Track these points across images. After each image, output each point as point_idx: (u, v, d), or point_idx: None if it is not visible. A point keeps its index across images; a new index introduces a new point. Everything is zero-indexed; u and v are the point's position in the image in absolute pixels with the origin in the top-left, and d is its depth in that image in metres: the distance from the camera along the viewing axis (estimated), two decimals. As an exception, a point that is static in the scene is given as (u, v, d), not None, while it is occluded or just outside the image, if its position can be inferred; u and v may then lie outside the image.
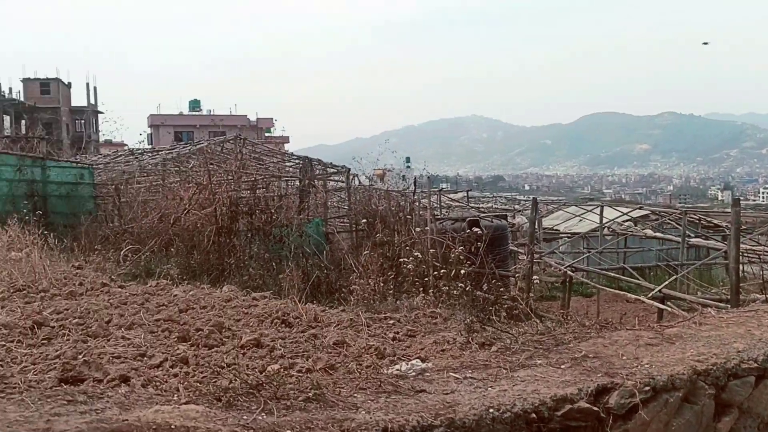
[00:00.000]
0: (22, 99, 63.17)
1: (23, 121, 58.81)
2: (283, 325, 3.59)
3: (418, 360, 3.11)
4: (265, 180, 12.35)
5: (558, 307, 11.66)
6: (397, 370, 2.94)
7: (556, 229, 22.42)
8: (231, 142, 18.20)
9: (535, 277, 11.37)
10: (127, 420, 2.14)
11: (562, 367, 2.91)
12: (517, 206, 30.38)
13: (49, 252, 6.80)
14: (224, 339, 3.31)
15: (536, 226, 14.07)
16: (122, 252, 7.72)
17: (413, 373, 2.88)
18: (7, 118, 59.30)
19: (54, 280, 5.29)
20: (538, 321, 4.44)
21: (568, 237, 21.04)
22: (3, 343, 3.44)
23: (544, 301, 12.96)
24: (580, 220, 22.18)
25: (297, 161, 17.35)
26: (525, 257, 11.58)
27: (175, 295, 4.62)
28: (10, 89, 63.29)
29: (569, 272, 13.24)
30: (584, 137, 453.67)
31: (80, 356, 3.13)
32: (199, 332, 3.39)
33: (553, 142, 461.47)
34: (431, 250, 7.47)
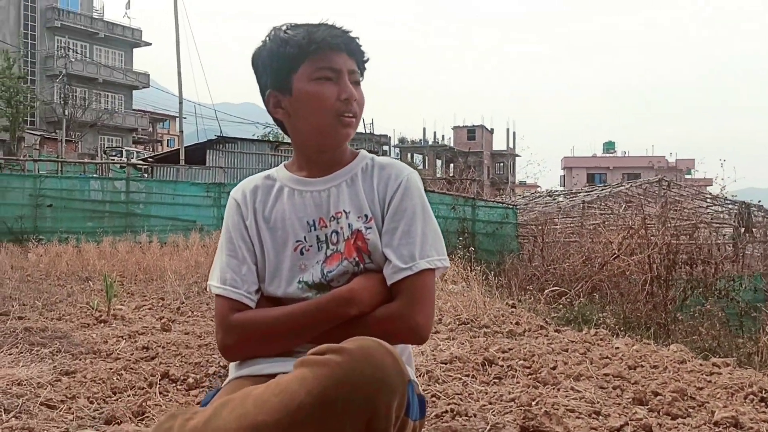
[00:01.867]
0: (451, 145, 70.66)
1: (452, 165, 65.61)
2: (763, 404, 3.02)
3: None
4: (695, 226, 11.30)
5: None
6: None
7: None
8: (654, 184, 17.31)
9: None
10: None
11: None
12: None
13: (486, 288, 7.15)
14: (689, 409, 2.90)
15: None
16: (546, 292, 7.74)
17: None
18: (439, 162, 66.91)
19: (493, 316, 5.48)
20: None
21: None
22: (459, 376, 3.59)
23: None
24: None
25: (730, 206, 15.64)
26: None
27: (617, 348, 4.33)
28: (443, 136, 71.44)
29: None
30: None
31: (534, 403, 3.06)
32: (658, 397, 3.05)
33: None
34: None
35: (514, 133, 72.58)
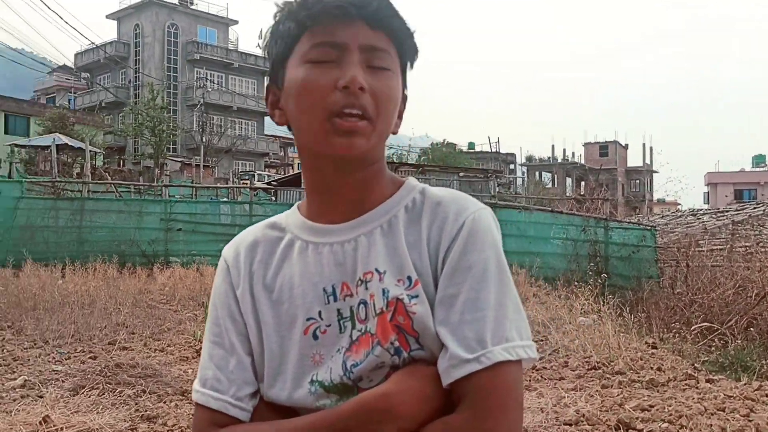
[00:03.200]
0: (582, 162, 68.13)
1: (582, 183, 63.09)
2: None
3: None
4: None
5: None
6: None
7: None
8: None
9: None
10: None
11: None
12: None
13: (620, 322, 6.34)
14: None
15: None
16: (693, 329, 6.79)
17: None
18: (569, 180, 64.65)
19: (629, 359, 4.73)
20: None
21: None
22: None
23: None
24: None
25: None
26: None
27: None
28: (573, 153, 69.08)
29: None
30: None
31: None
32: None
33: None
34: None
35: (651, 148, 68.88)
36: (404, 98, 1.05)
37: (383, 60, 0.98)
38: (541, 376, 4.40)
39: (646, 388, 4.03)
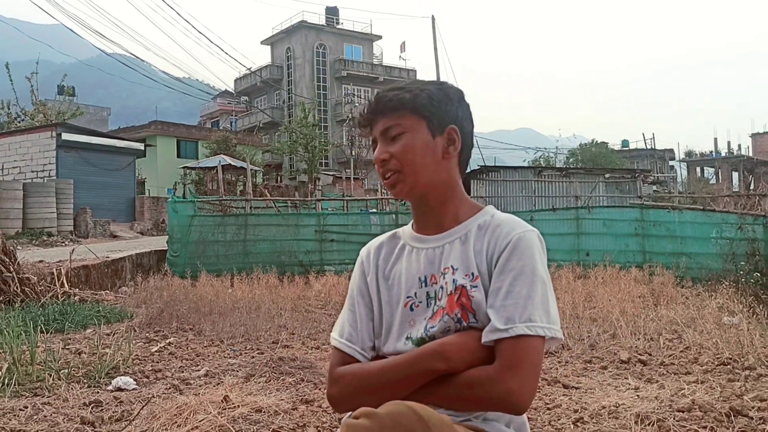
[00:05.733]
0: (750, 154, 63.27)
1: (751, 177, 58.57)
2: None
3: None
4: None
5: None
6: None
7: None
8: None
9: None
10: None
11: None
12: None
13: (759, 321, 6.23)
14: None
15: None
16: None
17: None
18: (735, 174, 60.21)
19: (763, 356, 4.75)
20: None
21: None
22: (696, 427, 3.17)
23: None
24: None
25: None
26: None
27: None
28: (739, 146, 64.31)
29: None
30: None
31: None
32: None
33: None
34: None
35: (832, 133, 62.66)
36: (450, 131, 1.57)
37: (395, 130, 1.55)
38: (667, 371, 4.56)
39: (774, 382, 4.10)
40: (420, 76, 59.37)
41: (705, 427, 3.16)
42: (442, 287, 1.51)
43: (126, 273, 13.65)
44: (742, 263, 10.99)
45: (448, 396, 1.39)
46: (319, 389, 4.28)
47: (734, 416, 3.28)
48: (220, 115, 64.02)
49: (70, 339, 6.42)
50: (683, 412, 3.39)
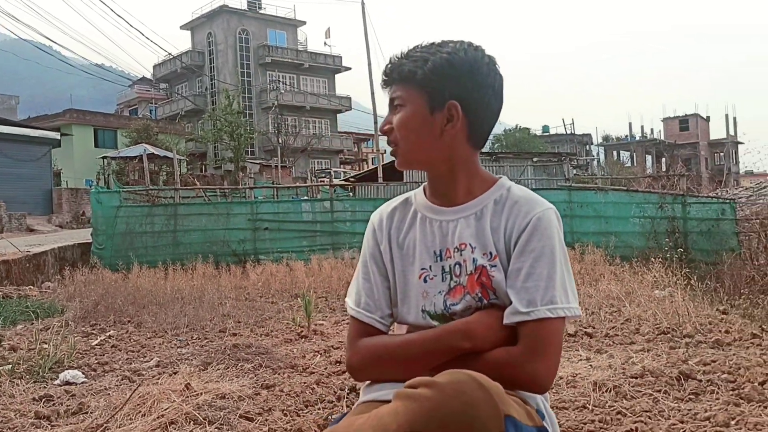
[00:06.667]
0: (662, 138, 66.16)
1: (663, 159, 61.34)
2: None
3: None
4: None
5: None
6: None
7: None
8: None
9: None
10: None
11: None
12: None
13: (692, 293, 6.58)
14: None
15: None
16: (770, 296, 6.91)
17: None
18: (648, 158, 62.93)
19: (698, 324, 5.03)
20: None
21: None
22: (650, 392, 3.34)
23: None
24: None
25: None
26: None
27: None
28: (651, 130, 67.16)
29: None
30: None
31: (733, 422, 2.76)
32: None
33: None
34: None
35: (734, 119, 66.27)
36: (450, 106, 1.49)
37: (398, 101, 1.53)
38: (613, 342, 4.77)
39: (712, 348, 4.35)
40: (346, 63, 59.12)
41: (659, 391, 3.33)
42: (459, 264, 1.50)
43: (49, 267, 13.09)
44: (666, 240, 11.56)
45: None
46: (278, 374, 4.26)
47: (684, 379, 3.47)
48: (139, 103, 62.06)
49: (1, 336, 6.15)
50: (636, 378, 3.56)
